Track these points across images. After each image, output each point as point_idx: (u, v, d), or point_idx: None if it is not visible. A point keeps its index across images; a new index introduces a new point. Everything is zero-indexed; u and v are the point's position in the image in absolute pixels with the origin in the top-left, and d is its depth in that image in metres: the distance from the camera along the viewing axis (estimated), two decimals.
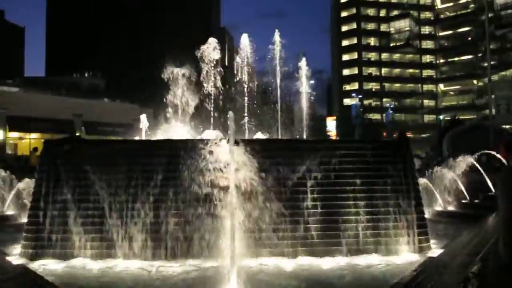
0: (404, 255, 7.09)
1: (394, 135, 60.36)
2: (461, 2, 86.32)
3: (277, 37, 19.41)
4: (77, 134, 34.33)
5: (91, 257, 6.77)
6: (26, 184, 10.40)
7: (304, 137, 23.42)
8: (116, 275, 6.12)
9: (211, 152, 6.04)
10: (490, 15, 52.45)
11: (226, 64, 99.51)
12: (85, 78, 61.45)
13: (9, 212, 10.86)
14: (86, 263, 6.61)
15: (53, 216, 6.94)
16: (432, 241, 7.63)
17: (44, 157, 7.56)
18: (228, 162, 5.36)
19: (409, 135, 64.77)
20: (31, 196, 7.67)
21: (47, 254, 6.78)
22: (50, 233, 6.87)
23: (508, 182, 2.69)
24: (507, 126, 34.02)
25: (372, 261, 6.82)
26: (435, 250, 7.22)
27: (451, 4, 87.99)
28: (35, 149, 22.70)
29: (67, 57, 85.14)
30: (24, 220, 8.32)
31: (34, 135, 38.13)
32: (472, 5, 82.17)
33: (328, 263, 6.66)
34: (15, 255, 6.90)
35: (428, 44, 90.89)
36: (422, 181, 10.91)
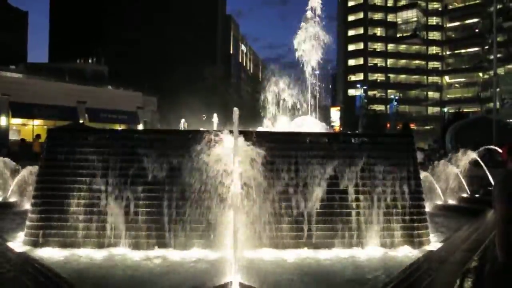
0: (404, 249, 7.14)
1: (398, 127, 60.23)
2: None
3: None
4: (80, 121, 34.43)
5: (95, 245, 6.85)
6: (29, 171, 10.49)
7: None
8: (119, 265, 6.19)
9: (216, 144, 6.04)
10: (498, 6, 51.63)
11: (231, 51, 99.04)
12: (89, 64, 61.25)
13: (12, 199, 10.96)
14: (89, 252, 6.69)
15: (57, 204, 7.01)
16: (431, 235, 7.68)
17: (48, 144, 7.60)
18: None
19: (412, 126, 64.66)
20: (34, 183, 7.75)
21: (50, 242, 6.86)
22: (53, 221, 6.94)
23: (506, 185, 2.70)
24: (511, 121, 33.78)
25: (371, 253, 6.88)
26: (434, 244, 7.26)
27: None
28: (38, 136, 22.79)
29: (70, 43, 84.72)
30: (27, 207, 8.43)
31: (37, 122, 38.19)
32: None
33: (327, 255, 6.72)
34: (19, 243, 6.97)
35: (435, 35, 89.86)
36: (424, 174, 10.90)
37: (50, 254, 6.56)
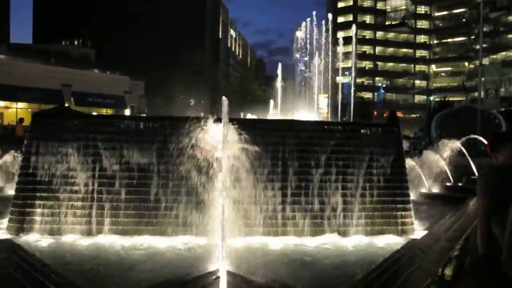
0: (388, 237, 7.27)
1: (385, 115, 60.79)
2: None
3: None
4: (66, 105, 33.82)
5: (81, 233, 6.81)
6: (13, 156, 10.29)
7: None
8: (104, 252, 6.18)
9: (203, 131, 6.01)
10: None
11: (220, 36, 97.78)
12: (75, 47, 59.83)
13: None
14: (75, 239, 6.65)
15: (41, 190, 6.92)
16: (415, 223, 7.83)
17: (32, 129, 7.45)
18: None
19: (399, 114, 65.34)
20: (18, 168, 7.61)
21: (35, 229, 6.79)
22: (38, 207, 6.86)
23: (488, 180, 2.76)
24: (494, 111, 34.43)
25: (355, 241, 6.99)
26: (418, 232, 7.41)
27: None
28: (21, 119, 22.33)
29: (56, 23, 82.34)
30: (11, 192, 8.30)
31: (21, 105, 37.40)
32: None
33: (313, 243, 6.81)
34: (2, 229, 6.89)
35: (423, 24, 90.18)
36: (410, 163, 11.07)
37: (35, 241, 6.50)
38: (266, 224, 7.04)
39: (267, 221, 7.05)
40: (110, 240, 6.63)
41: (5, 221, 7.10)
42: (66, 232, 6.80)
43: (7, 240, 6.04)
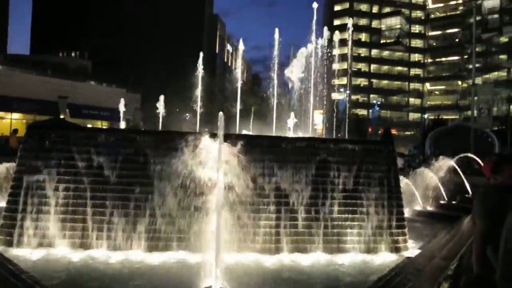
0: (382, 254, 7.24)
1: (379, 132, 61.18)
2: (451, 3, 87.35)
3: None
4: (61, 116, 33.68)
5: (72, 246, 6.71)
6: (5, 168, 10.16)
7: (291, 131, 23.48)
8: (95, 266, 6.08)
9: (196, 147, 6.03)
10: (478, 18, 53.02)
11: (217, 51, 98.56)
12: (72, 58, 60.02)
13: None
14: (65, 253, 6.55)
15: (33, 203, 6.83)
16: (410, 241, 7.81)
17: (27, 142, 7.40)
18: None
19: (394, 132, 65.81)
20: (11, 181, 7.52)
21: (25, 242, 6.68)
22: (29, 220, 6.76)
23: (485, 201, 2.77)
24: (487, 129, 34.81)
25: (351, 259, 6.95)
26: (412, 251, 7.38)
27: (441, 4, 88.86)
28: (15, 130, 22.14)
29: (53, 35, 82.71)
30: (2, 205, 8.19)
31: (15, 116, 37.23)
32: (461, 7, 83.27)
33: (309, 260, 6.75)
34: None
35: (417, 43, 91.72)
36: (404, 181, 11.10)
37: (25, 254, 6.39)
38: (260, 241, 6.98)
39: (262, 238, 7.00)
40: (102, 254, 6.53)
41: None
42: (57, 245, 6.69)
43: None
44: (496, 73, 70.79)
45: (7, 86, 33.96)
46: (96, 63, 60.32)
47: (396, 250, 7.38)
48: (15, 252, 6.41)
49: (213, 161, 5.45)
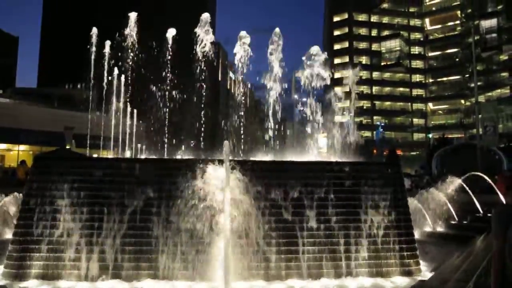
0: (394, 278, 7.07)
1: (385, 153, 60.85)
2: (449, 24, 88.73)
3: None
4: (67, 147, 33.96)
5: (78, 278, 6.61)
6: (13, 199, 10.18)
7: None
8: None
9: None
10: (476, 37, 53.75)
11: (219, 79, 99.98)
12: (77, 90, 61.15)
13: None
14: (73, 285, 6.46)
15: (40, 235, 6.79)
16: (422, 264, 7.63)
17: (33, 173, 7.44)
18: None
19: (399, 152, 65.46)
20: (17, 212, 7.52)
21: (31, 274, 6.60)
22: (36, 252, 6.70)
23: (502, 220, 2.72)
24: (494, 147, 34.57)
25: (361, 283, 6.78)
26: (425, 273, 7.20)
27: (439, 26, 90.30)
28: (23, 162, 22.34)
29: (60, 68, 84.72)
30: (8, 236, 8.15)
31: (22, 147, 37.63)
32: (459, 28, 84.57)
33: (317, 286, 6.60)
34: None
35: (418, 64, 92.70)
36: (412, 202, 10.95)
37: (31, 287, 6.30)
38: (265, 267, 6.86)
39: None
40: (109, 286, 6.43)
41: (1, 267, 6.91)
42: (64, 277, 6.60)
43: (2, 286, 5.86)
44: (498, 90, 70.97)
45: (15, 119, 34.54)
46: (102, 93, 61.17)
47: (408, 273, 7.20)
48: (21, 286, 6.32)
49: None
